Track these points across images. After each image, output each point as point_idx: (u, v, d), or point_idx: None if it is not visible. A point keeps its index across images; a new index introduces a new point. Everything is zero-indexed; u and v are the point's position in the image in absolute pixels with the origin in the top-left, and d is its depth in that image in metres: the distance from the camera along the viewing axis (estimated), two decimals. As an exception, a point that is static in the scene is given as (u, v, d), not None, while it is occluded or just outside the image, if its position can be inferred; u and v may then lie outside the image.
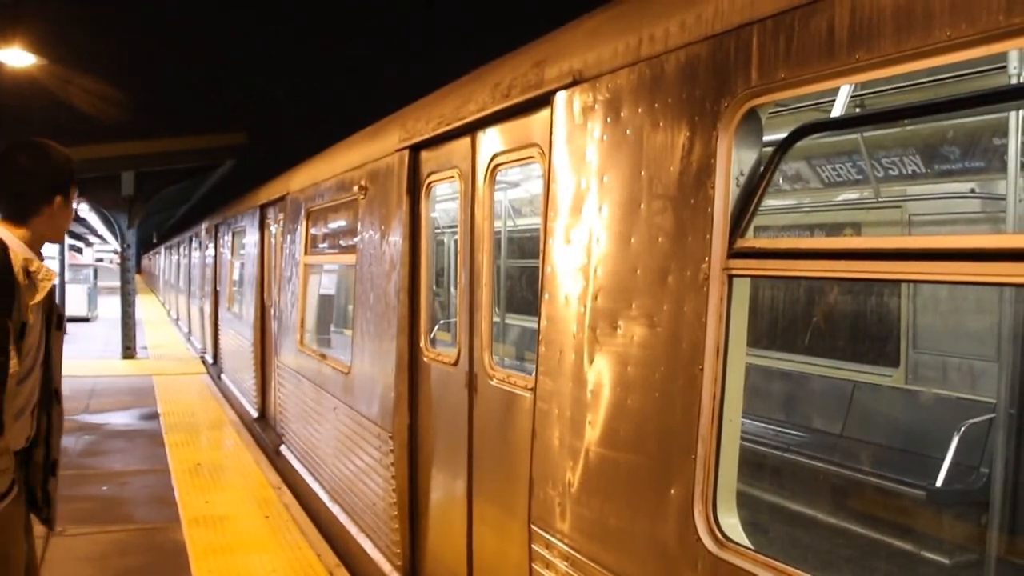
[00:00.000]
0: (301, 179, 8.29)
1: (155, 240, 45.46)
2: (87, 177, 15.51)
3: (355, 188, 5.94)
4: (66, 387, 11.95)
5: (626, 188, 2.69)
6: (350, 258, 6.22)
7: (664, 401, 2.43)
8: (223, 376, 13.80)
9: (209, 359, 16.05)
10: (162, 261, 38.08)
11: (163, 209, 30.13)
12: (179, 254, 26.70)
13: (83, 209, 18.77)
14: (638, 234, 2.59)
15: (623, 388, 2.67)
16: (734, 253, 2.20)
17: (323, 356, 7.07)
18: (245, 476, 8.10)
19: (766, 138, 2.30)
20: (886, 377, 6.54)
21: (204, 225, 17.46)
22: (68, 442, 9.51)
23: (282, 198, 9.09)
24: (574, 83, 3.07)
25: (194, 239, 20.62)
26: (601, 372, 2.79)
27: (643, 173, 2.59)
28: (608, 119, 2.83)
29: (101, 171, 14.93)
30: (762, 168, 2.25)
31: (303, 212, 7.91)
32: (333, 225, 7.60)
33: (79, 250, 42.76)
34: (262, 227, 10.61)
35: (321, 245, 7.99)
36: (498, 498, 3.82)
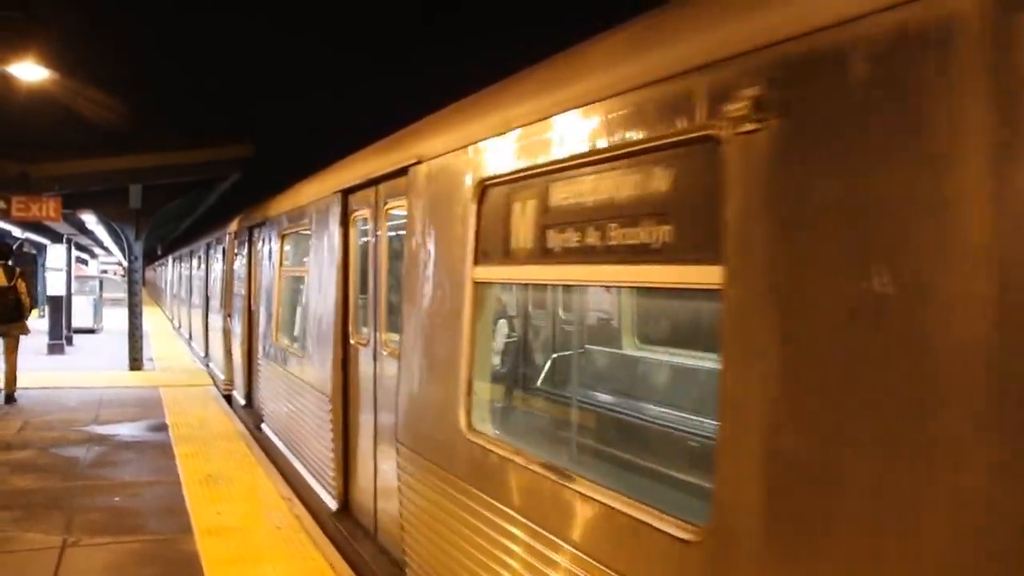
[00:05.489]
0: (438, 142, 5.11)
1: (159, 252, 45.46)
2: (95, 190, 15.62)
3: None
4: (74, 398, 12.13)
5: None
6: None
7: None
8: (266, 427, 10.46)
9: (239, 398, 12.76)
10: (169, 273, 37.03)
11: (165, 222, 30.23)
12: (191, 265, 23.66)
13: (91, 221, 18.81)
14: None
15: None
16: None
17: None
18: (255, 488, 8.13)
19: None
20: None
21: (231, 228, 14.13)
22: (79, 453, 9.55)
23: (402, 171, 5.26)
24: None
25: (213, 247, 17.27)
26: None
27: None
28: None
29: (110, 184, 15.03)
30: None
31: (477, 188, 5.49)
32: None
33: (84, 262, 42.82)
34: (346, 223, 6.84)
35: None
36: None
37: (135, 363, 16.99)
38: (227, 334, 13.99)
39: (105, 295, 32.49)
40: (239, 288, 13.02)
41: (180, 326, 28.27)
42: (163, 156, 14.82)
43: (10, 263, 13.18)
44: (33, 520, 6.94)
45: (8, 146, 13.95)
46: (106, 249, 41.32)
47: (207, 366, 17.55)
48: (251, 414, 11.54)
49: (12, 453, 9.52)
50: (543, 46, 4.14)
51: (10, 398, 12.93)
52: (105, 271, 49.69)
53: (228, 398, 13.64)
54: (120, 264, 48.36)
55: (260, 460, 9.29)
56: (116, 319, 29.18)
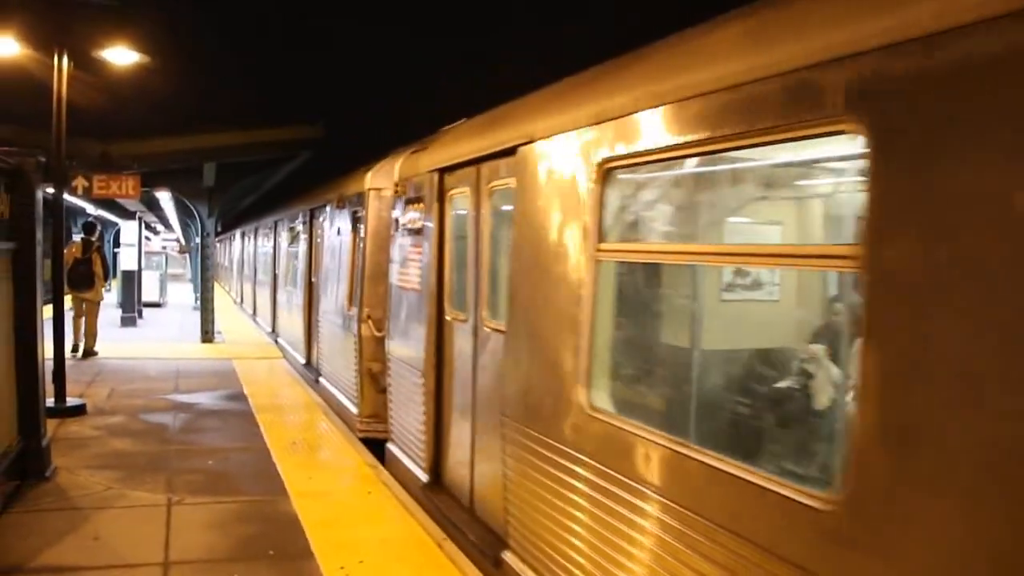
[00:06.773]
0: None
1: (219, 228, 46.28)
2: (171, 169, 16.20)
3: None
4: (153, 368, 12.88)
5: None
6: None
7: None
8: None
9: (407, 461, 7.58)
10: (236, 250, 33.08)
11: (228, 199, 30.62)
12: (275, 242, 18.42)
13: (164, 199, 19.46)
14: None
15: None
16: None
17: None
18: (341, 455, 8.50)
19: None
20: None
21: (370, 184, 9.44)
22: (166, 419, 10.04)
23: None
24: None
25: (325, 216, 12.20)
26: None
27: None
28: None
29: (187, 162, 15.58)
30: None
31: None
32: None
33: (148, 238, 43.94)
34: None
35: None
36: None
37: (207, 336, 17.57)
38: (367, 345, 9.35)
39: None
40: (399, 277, 8.00)
41: (256, 314, 22.66)
42: (238, 135, 15.30)
43: (92, 239, 15.30)
44: (137, 480, 7.37)
45: (91, 126, 14.52)
46: (168, 226, 42.36)
47: (316, 381, 12.42)
48: (462, 514, 6.22)
49: (106, 418, 10.04)
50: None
51: (88, 353, 14.80)
52: (164, 247, 50.87)
53: (368, 442, 9.00)
54: (178, 241, 49.58)
55: (341, 430, 9.67)
56: (177, 294, 30.07)
